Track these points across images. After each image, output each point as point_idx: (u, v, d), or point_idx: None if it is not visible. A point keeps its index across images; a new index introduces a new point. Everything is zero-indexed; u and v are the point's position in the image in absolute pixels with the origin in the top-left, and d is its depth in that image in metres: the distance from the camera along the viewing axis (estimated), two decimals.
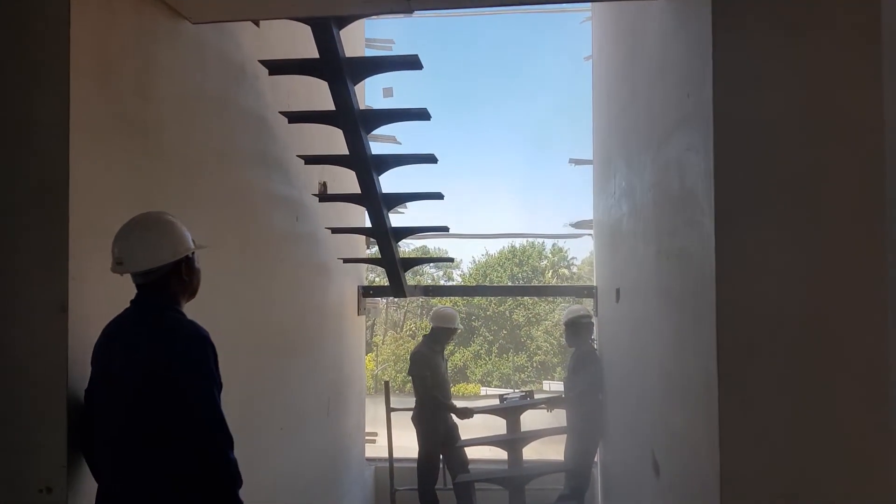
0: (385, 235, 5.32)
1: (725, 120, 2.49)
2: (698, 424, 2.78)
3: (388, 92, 8.02)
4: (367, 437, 7.61)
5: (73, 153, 2.50)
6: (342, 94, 4.26)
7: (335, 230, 5.66)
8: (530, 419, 6.87)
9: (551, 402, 6.76)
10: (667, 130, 3.33)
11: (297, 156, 4.95)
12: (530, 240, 44.89)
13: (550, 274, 45.76)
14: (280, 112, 4.61)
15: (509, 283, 43.10)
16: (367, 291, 6.95)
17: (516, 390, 7.22)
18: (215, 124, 3.85)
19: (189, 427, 2.25)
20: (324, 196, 5.45)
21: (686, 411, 3.05)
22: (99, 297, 2.57)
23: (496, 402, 7.04)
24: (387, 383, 7.14)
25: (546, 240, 45.54)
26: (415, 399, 6.54)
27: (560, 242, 45.29)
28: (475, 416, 6.54)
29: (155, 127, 3.17)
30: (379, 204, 5.06)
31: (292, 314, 4.98)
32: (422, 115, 4.60)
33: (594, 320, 6.74)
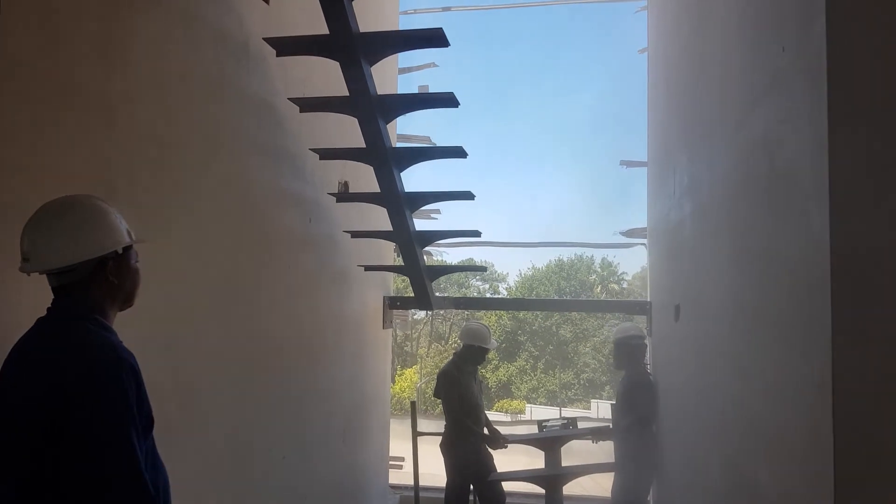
0: (408, 240, 4.69)
1: (844, 66, 1.77)
2: (799, 491, 2.04)
3: (423, 90, 7.43)
4: (392, 463, 6.95)
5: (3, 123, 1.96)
6: (356, 76, 3.66)
7: (354, 234, 5.06)
8: (574, 450, 6.12)
9: (598, 434, 5.98)
10: (749, 103, 2.61)
11: (310, 149, 4.37)
12: (578, 253, 43.83)
13: (599, 289, 44.56)
14: (289, 99, 4.04)
15: (555, 298, 42.15)
16: (395, 303, 6.31)
17: (557, 417, 6.42)
18: (207, 107, 3.30)
19: (86, 488, 1.64)
20: (342, 196, 4.86)
21: (775, 467, 2.31)
22: (23, 304, 2.02)
23: (535, 428, 6.31)
24: (413, 404, 6.47)
25: (595, 253, 44.43)
26: (444, 424, 5.87)
27: (610, 256, 44.14)
28: (510, 445, 5.83)
29: (122, 103, 2.63)
30: (400, 204, 4.44)
31: (300, 327, 4.38)
32: (449, 101, 3.97)
33: (647, 341, 5.97)
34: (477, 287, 53.52)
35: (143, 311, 2.66)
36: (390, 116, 4.07)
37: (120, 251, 1.94)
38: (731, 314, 2.98)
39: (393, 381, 38.40)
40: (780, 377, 2.24)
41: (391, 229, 4.70)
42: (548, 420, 6.35)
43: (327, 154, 4.46)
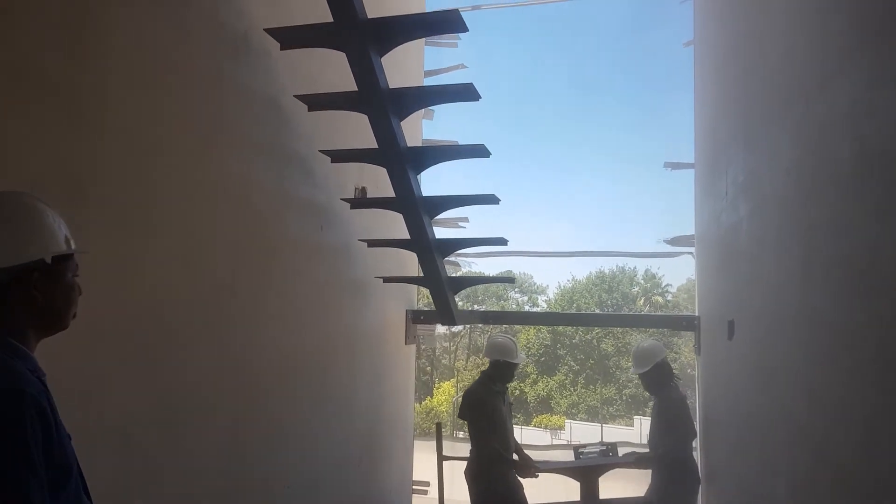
0: (426, 249, 4.26)
1: None
2: None
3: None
4: (416, 488, 6.49)
5: None
6: (364, 67, 3.28)
7: (371, 243, 4.66)
8: (615, 478, 5.59)
9: (640, 462, 5.42)
10: (825, 72, 2.12)
11: (320, 151, 3.99)
12: (620, 265, 42.84)
13: (642, 301, 43.45)
14: (295, 96, 3.67)
15: (597, 311, 41.27)
16: (418, 316, 5.88)
17: (596, 443, 5.89)
18: (199, 103, 2.95)
19: None
20: (356, 202, 4.46)
21: None
22: None
23: (570, 454, 5.79)
24: (438, 425, 6.02)
25: (637, 265, 43.42)
26: (469, 448, 5.41)
27: (654, 266, 43.04)
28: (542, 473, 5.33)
29: (92, 95, 2.29)
30: (417, 210, 4.02)
31: (307, 343, 3.99)
32: (468, 93, 3.56)
33: (697, 359, 5.44)
34: (516, 299, 52.91)
35: (116, 325, 2.34)
36: (404, 112, 3.67)
37: (49, 260, 1.56)
38: (802, 333, 2.47)
39: (431, 395, 38.03)
40: (866, 409, 1.74)
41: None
42: (585, 446, 5.82)
43: (339, 156, 4.08)
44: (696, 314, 5.63)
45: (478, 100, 3.57)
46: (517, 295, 52.14)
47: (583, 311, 41.22)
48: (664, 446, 5.03)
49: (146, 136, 2.57)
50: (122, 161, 2.44)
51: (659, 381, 5.09)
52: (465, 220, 6.57)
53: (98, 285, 2.20)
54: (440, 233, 6.86)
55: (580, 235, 53.53)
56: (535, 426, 38.54)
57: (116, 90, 2.42)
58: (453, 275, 5.73)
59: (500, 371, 5.48)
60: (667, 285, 42.32)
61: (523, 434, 36.90)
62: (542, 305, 48.87)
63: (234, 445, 3.15)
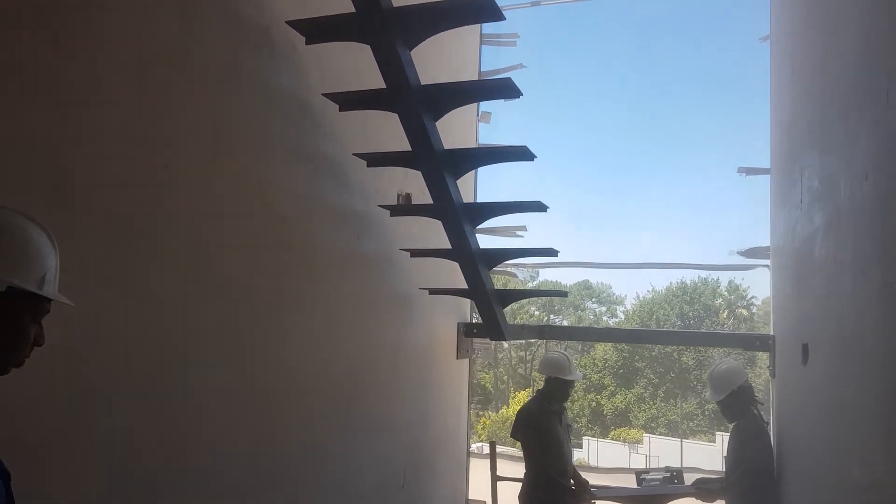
0: (468, 258, 4.01)
1: None
2: None
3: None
4: None
5: None
6: (390, 58, 3.07)
7: (413, 252, 4.43)
8: None
9: (707, 492, 4.93)
10: None
11: (354, 154, 3.81)
12: (702, 276, 41.13)
13: (726, 314, 41.58)
14: (324, 94, 3.50)
15: (678, 323, 39.76)
16: (471, 330, 5.62)
17: (661, 468, 5.46)
18: (212, 101, 2.79)
19: None
20: (396, 209, 4.25)
21: None
22: None
23: (633, 480, 5.39)
24: (493, 444, 5.73)
25: (721, 275, 41.64)
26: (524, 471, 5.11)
27: (737, 278, 41.14)
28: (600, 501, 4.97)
29: (84, 91, 2.16)
30: (458, 217, 3.78)
31: (341, 359, 3.80)
32: (511, 90, 3.31)
33: (771, 382, 4.94)
34: (593, 310, 51.73)
35: (113, 342, 2.21)
36: (439, 110, 3.43)
37: (3, 289, 1.38)
38: (879, 368, 2.07)
39: (507, 404, 37.57)
40: None
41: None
42: (648, 471, 5.41)
43: (374, 160, 3.88)
44: (772, 333, 5.13)
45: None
46: (594, 305, 50.96)
47: (661, 323, 39.82)
48: (733, 480, 4.59)
49: (147, 136, 2.42)
50: (120, 162, 2.29)
51: (737, 408, 4.65)
52: (523, 228, 6.27)
53: (93, 296, 2.09)
54: (496, 242, 6.60)
55: (652, 246, 51.63)
56: (612, 439, 37.51)
57: (111, 85, 2.27)
58: (503, 287, 5.44)
59: (554, 389, 5.18)
60: (752, 297, 40.37)
61: (599, 447, 35.94)
62: (619, 317, 47.59)
63: (249, 470, 2.98)
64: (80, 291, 1.71)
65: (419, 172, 3.68)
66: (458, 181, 3.70)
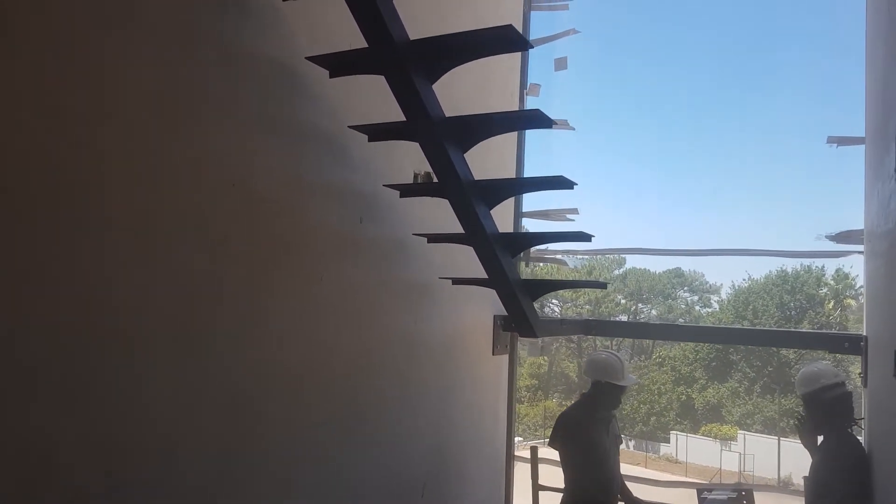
0: (485, 243, 3.46)
1: None
2: None
3: (560, 63, 6.10)
4: None
5: None
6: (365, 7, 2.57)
7: (430, 238, 3.93)
8: None
9: None
10: None
11: (349, 127, 3.34)
12: (805, 264, 38.40)
13: (832, 304, 38.71)
14: (307, 58, 3.04)
15: (777, 314, 37.45)
16: (509, 323, 5.06)
17: (727, 484, 4.76)
18: (165, 64, 2.39)
19: None
20: (407, 189, 3.75)
21: None
22: None
23: (693, 498, 4.70)
24: (534, 449, 5.17)
25: (827, 262, 38.81)
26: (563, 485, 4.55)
27: (845, 266, 38.22)
28: None
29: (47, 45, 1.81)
30: (466, 196, 3.24)
31: (331, 356, 3.35)
32: (521, 43, 2.75)
33: (863, 393, 4.14)
34: (685, 299, 49.52)
35: (57, 340, 1.84)
36: (438, 69, 2.89)
37: None
38: None
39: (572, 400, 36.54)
40: None
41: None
42: (712, 489, 4.71)
43: (376, 133, 3.40)
44: (864, 333, 4.31)
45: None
46: (686, 294, 48.75)
47: (759, 314, 37.52)
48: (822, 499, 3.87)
49: (77, 102, 2.03)
50: (51, 134, 1.93)
51: (820, 417, 3.94)
52: (574, 210, 5.63)
53: (32, 288, 1.75)
54: (546, 226, 5.99)
55: (749, 231, 48.52)
56: (702, 435, 35.85)
57: (31, 40, 1.89)
58: (542, 277, 4.84)
59: (603, 394, 4.57)
60: (860, 287, 37.47)
61: (689, 443, 34.31)
62: (713, 307, 45.34)
63: (222, 481, 2.59)
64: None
65: None
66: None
